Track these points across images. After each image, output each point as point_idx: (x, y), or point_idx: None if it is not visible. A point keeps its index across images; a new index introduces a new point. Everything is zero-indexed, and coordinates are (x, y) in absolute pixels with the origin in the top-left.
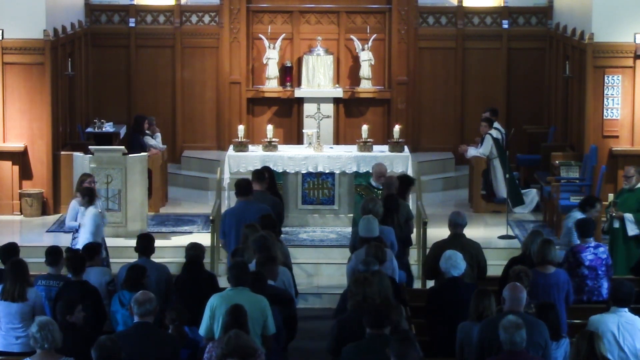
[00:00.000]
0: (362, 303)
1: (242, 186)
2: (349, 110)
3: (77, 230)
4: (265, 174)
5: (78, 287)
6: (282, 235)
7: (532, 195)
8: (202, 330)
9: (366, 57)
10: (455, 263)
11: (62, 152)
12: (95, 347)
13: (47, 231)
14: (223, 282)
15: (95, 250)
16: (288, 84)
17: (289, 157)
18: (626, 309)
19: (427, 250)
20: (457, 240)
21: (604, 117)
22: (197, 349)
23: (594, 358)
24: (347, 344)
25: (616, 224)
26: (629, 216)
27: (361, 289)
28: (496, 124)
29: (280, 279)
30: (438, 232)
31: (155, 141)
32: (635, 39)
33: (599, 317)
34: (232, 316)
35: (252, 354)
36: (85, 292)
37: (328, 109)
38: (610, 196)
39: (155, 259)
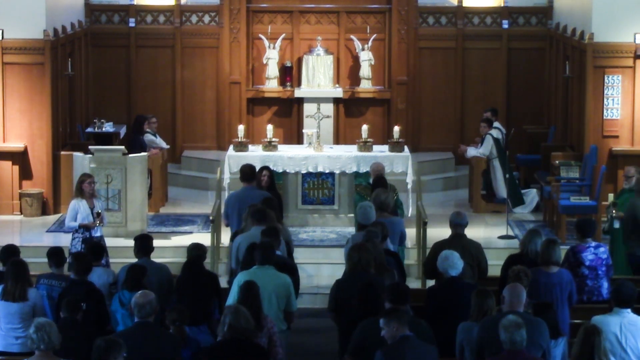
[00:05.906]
0: (358, 265)
1: (245, 172)
2: (349, 110)
3: (77, 230)
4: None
5: (82, 287)
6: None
7: (532, 195)
8: (228, 304)
9: (366, 57)
10: (453, 263)
11: (62, 152)
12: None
13: (47, 231)
14: (224, 282)
15: (100, 253)
16: (288, 84)
17: (289, 157)
18: (629, 310)
19: (427, 251)
20: (457, 240)
21: (604, 117)
22: (198, 349)
23: (595, 356)
24: (344, 304)
25: (616, 224)
26: None
27: (357, 254)
28: (496, 124)
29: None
30: (438, 232)
31: (158, 139)
32: (635, 39)
33: (601, 318)
34: (244, 292)
35: (251, 333)
36: (88, 292)
37: (328, 109)
38: (610, 196)
39: (155, 259)
